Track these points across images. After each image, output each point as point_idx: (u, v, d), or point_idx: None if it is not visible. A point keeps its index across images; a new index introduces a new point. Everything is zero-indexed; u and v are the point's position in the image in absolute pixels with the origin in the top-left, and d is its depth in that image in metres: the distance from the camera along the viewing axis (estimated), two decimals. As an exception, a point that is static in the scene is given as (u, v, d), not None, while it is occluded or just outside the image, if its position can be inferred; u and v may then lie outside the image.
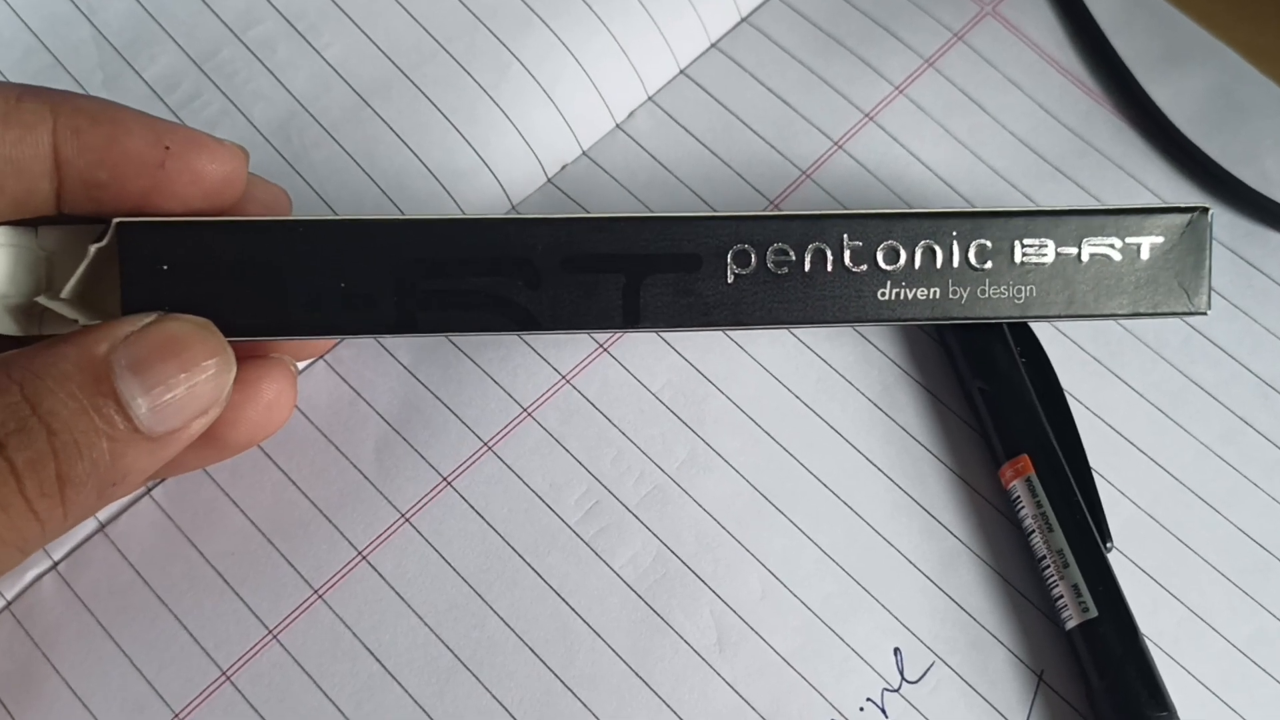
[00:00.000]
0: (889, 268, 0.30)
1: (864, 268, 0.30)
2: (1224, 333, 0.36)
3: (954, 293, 0.30)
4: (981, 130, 0.38)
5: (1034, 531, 0.32)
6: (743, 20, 0.40)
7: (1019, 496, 0.33)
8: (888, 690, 0.32)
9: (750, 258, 0.29)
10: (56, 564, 0.32)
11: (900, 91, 0.39)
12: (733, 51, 0.39)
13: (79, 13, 0.38)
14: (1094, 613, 0.31)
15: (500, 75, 0.38)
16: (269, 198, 0.31)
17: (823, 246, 0.30)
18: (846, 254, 0.30)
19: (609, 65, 0.38)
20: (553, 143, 0.38)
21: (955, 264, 0.30)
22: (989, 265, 0.30)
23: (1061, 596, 0.31)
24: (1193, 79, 0.40)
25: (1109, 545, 0.32)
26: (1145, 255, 0.31)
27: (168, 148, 0.28)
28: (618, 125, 0.38)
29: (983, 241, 0.30)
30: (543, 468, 0.34)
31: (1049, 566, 0.32)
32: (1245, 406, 0.35)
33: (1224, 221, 0.37)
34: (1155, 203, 0.31)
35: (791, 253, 0.29)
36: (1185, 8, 0.41)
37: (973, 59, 0.39)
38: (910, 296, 0.30)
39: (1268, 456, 0.35)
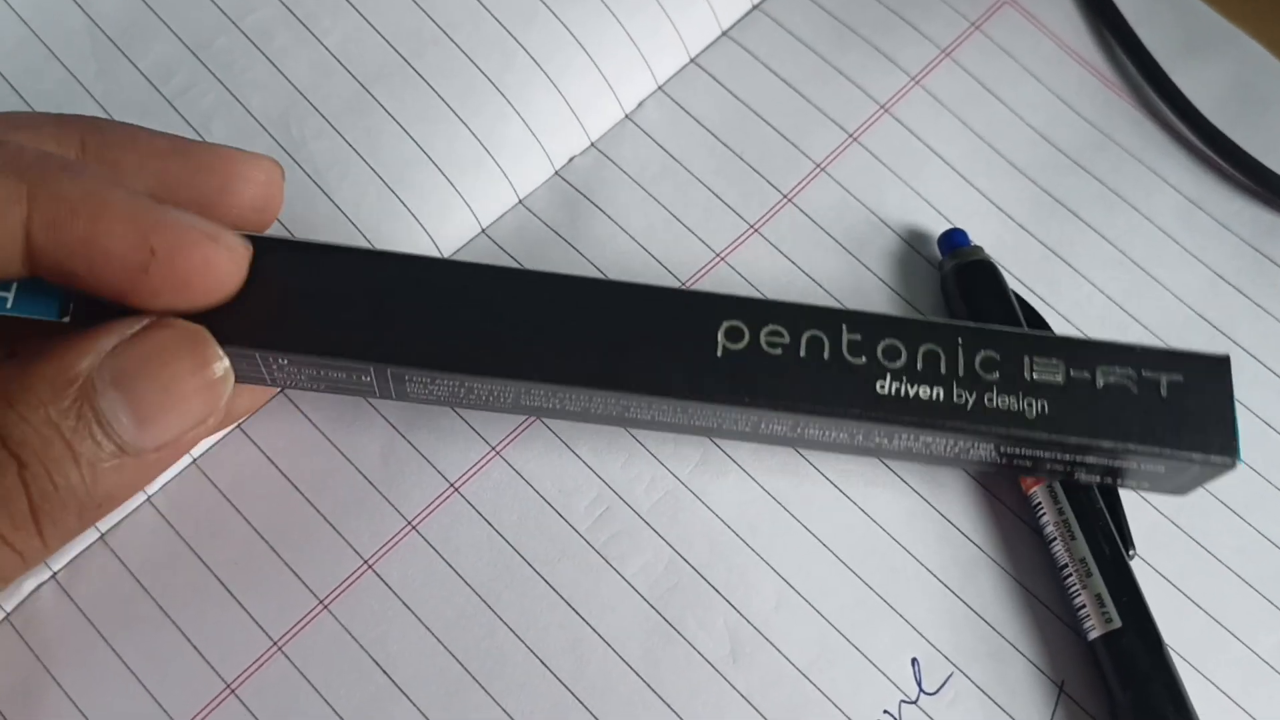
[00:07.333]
0: (890, 364, 0.28)
1: (863, 359, 0.28)
2: (1247, 334, 0.35)
3: (959, 396, 0.28)
4: (999, 123, 0.38)
5: (1055, 539, 0.32)
6: (755, 7, 0.39)
7: (1040, 503, 0.32)
8: (905, 702, 0.31)
9: (744, 334, 0.28)
10: (55, 574, 0.31)
11: (917, 82, 0.38)
12: (745, 40, 0.38)
13: (71, 1, 0.37)
14: (1118, 623, 0.30)
15: (505, 64, 0.37)
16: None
17: (820, 334, 0.29)
18: (845, 343, 0.29)
19: (617, 53, 0.37)
20: (560, 134, 0.37)
21: (960, 371, 0.29)
22: (996, 376, 0.29)
23: (1084, 606, 0.31)
24: (1213, 69, 0.39)
25: (1131, 553, 0.32)
26: (1165, 392, 0.29)
27: (153, 251, 0.25)
28: (627, 116, 0.37)
29: (990, 353, 0.29)
30: (552, 473, 0.33)
31: (1071, 575, 0.31)
32: (1269, 410, 0.34)
33: (1248, 217, 0.37)
34: (1172, 348, 0.29)
35: (786, 335, 0.29)
36: (1205, -4, 0.40)
37: (990, 49, 0.38)
38: (912, 394, 0.28)
39: (1293, 461, 0.34)
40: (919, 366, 0.28)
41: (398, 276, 0.28)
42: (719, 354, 0.28)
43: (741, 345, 0.28)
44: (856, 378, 0.28)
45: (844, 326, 0.29)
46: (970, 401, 0.28)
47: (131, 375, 0.25)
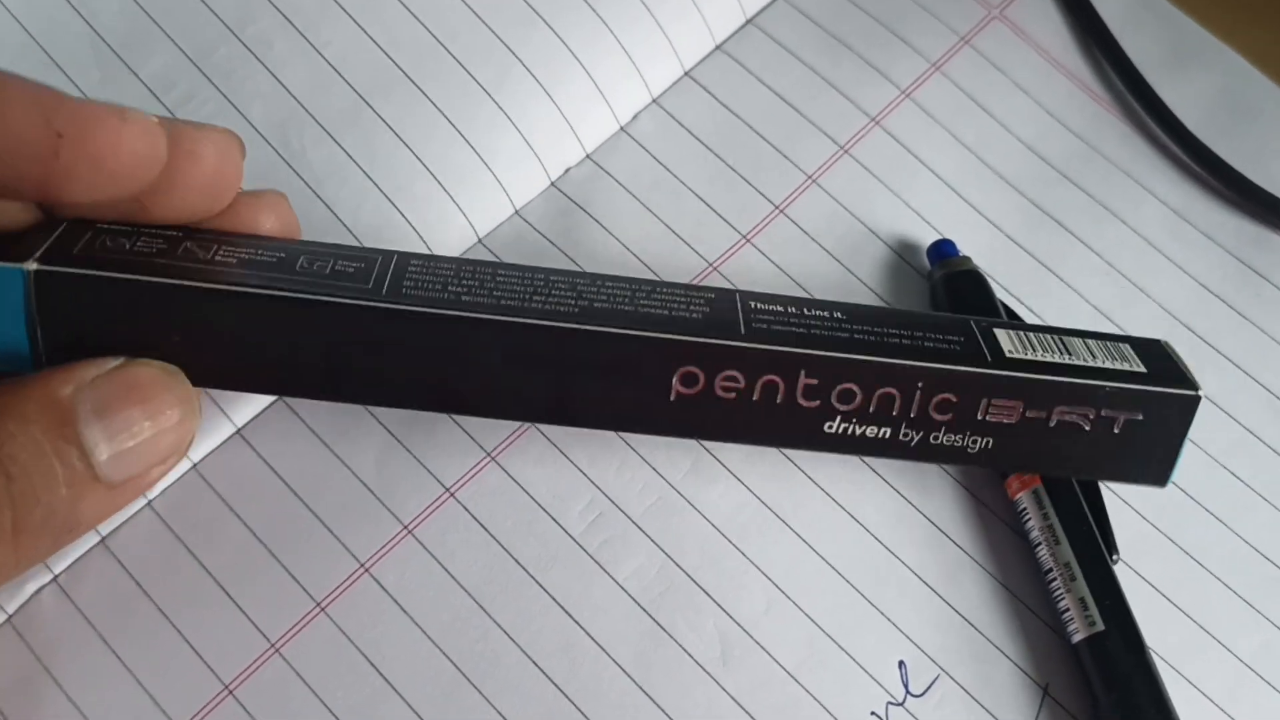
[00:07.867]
0: (842, 406, 0.28)
1: (816, 403, 0.28)
2: (1231, 344, 0.36)
3: (904, 435, 0.29)
4: (988, 135, 0.38)
5: (1040, 544, 0.32)
6: (748, 22, 0.39)
7: (1025, 508, 0.32)
8: (892, 704, 0.31)
9: (699, 380, 0.28)
10: (57, 576, 0.31)
11: (907, 95, 0.38)
12: (738, 53, 0.39)
13: (74, 11, 0.37)
14: (1101, 626, 0.31)
15: (502, 76, 0.37)
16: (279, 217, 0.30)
17: (775, 380, 0.28)
18: (800, 388, 0.28)
19: (612, 66, 0.38)
20: (556, 145, 0.37)
21: (913, 412, 0.28)
22: (949, 416, 0.28)
23: (1068, 609, 0.31)
24: (1198, 83, 0.39)
25: (1115, 558, 0.32)
26: (1119, 429, 0.29)
27: (60, 134, 0.24)
28: (621, 127, 0.38)
29: (948, 396, 0.28)
30: (546, 478, 0.33)
31: (1055, 579, 0.32)
32: (1253, 418, 0.35)
33: (1232, 229, 0.37)
34: (1142, 376, 0.29)
35: (742, 380, 0.28)
36: (1190, 11, 0.40)
37: (980, 63, 0.39)
38: (858, 434, 0.29)
39: (1275, 469, 0.34)
40: (871, 409, 0.28)
41: (350, 323, 0.27)
42: (671, 398, 0.28)
43: (694, 391, 0.28)
44: (806, 420, 0.28)
45: (802, 373, 0.28)
46: (915, 440, 0.29)
47: (111, 406, 0.25)
